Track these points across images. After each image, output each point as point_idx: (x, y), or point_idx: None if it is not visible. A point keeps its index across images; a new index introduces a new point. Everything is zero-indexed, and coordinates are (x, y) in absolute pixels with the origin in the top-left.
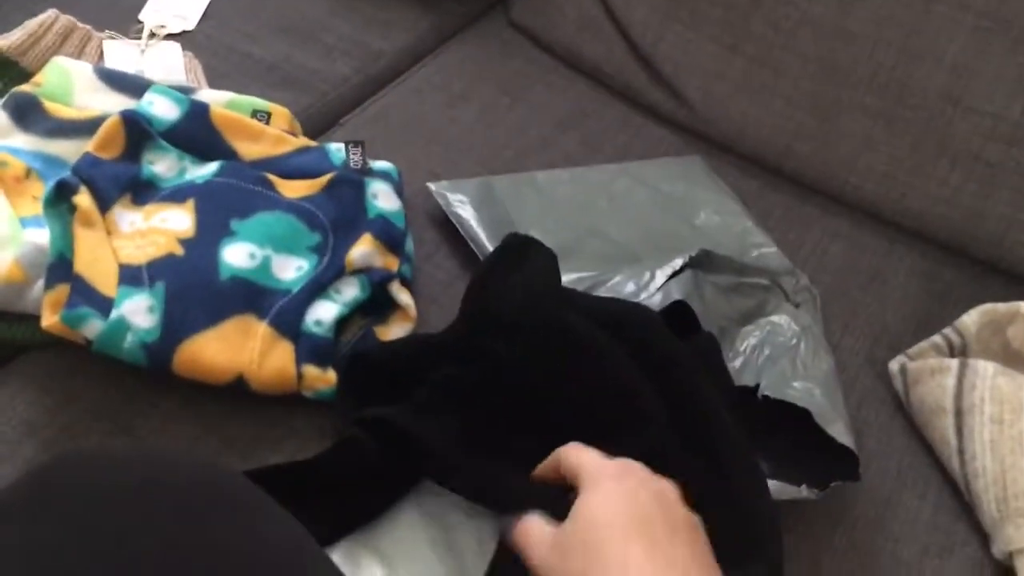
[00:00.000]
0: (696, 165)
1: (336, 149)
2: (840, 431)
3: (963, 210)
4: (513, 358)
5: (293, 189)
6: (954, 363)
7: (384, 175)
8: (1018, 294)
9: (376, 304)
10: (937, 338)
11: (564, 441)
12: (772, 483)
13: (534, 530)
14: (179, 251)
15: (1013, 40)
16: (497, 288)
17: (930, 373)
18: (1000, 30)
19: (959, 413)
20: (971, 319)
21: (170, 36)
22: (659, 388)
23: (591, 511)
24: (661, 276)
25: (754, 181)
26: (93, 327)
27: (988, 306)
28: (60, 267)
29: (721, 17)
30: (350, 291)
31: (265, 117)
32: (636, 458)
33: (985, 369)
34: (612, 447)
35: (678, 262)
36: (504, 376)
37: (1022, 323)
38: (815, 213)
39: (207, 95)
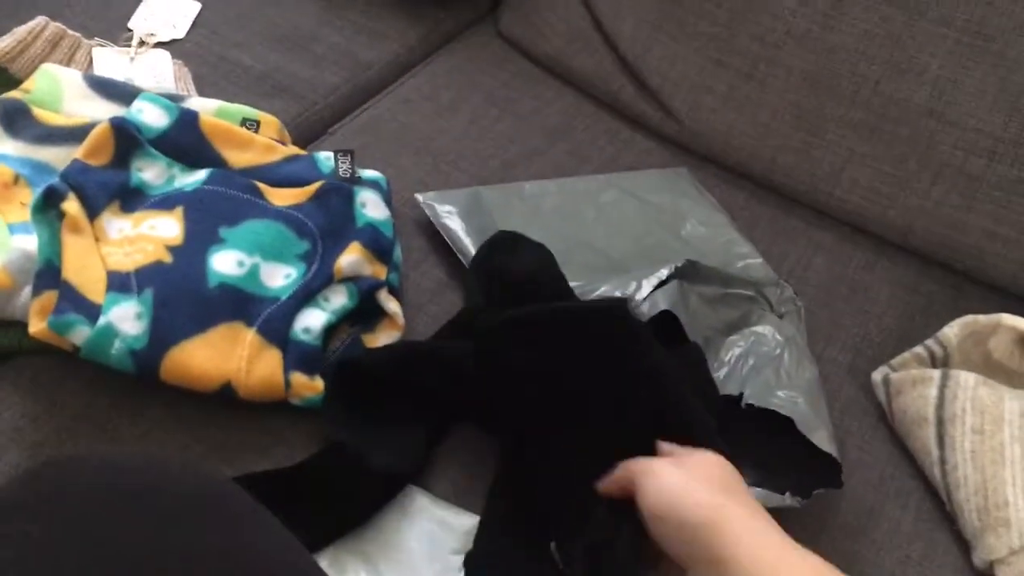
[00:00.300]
0: (682, 177)
1: (325, 158)
2: (823, 439)
3: (945, 223)
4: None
5: (282, 197)
6: (936, 374)
7: (373, 184)
8: (999, 306)
9: (364, 312)
10: (919, 349)
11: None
12: (756, 491)
13: (657, 460)
14: (167, 258)
15: (993, 55)
16: (500, 260)
17: (912, 384)
18: (981, 45)
19: (941, 423)
20: (953, 331)
21: (160, 44)
22: (646, 395)
23: (707, 460)
24: (647, 286)
25: (740, 193)
26: (80, 334)
27: (969, 318)
28: (48, 273)
29: (708, 31)
30: (338, 299)
31: (254, 125)
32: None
33: (967, 380)
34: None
35: (664, 272)
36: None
37: (1004, 334)
38: (800, 225)
39: (196, 103)
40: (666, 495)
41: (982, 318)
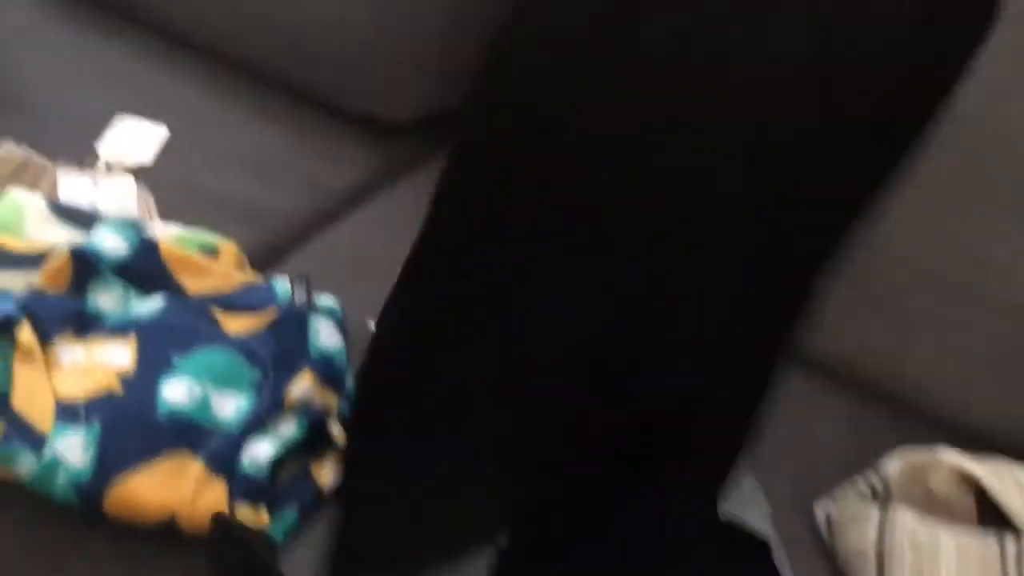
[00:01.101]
0: None
1: (281, 284)
2: None
3: (884, 356)
4: None
5: (237, 324)
6: (875, 513)
7: (328, 312)
8: (941, 436)
9: (314, 440)
10: (860, 484)
11: None
12: None
13: None
14: (118, 388)
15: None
16: None
17: (852, 521)
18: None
19: (881, 561)
20: (892, 467)
21: (126, 169)
22: None
23: None
24: None
25: None
26: (26, 464)
27: (908, 452)
28: None
29: None
30: (287, 428)
31: (213, 252)
32: None
33: (903, 520)
34: None
35: None
36: None
37: (942, 471)
38: None
39: (157, 229)
40: None
41: (919, 456)
